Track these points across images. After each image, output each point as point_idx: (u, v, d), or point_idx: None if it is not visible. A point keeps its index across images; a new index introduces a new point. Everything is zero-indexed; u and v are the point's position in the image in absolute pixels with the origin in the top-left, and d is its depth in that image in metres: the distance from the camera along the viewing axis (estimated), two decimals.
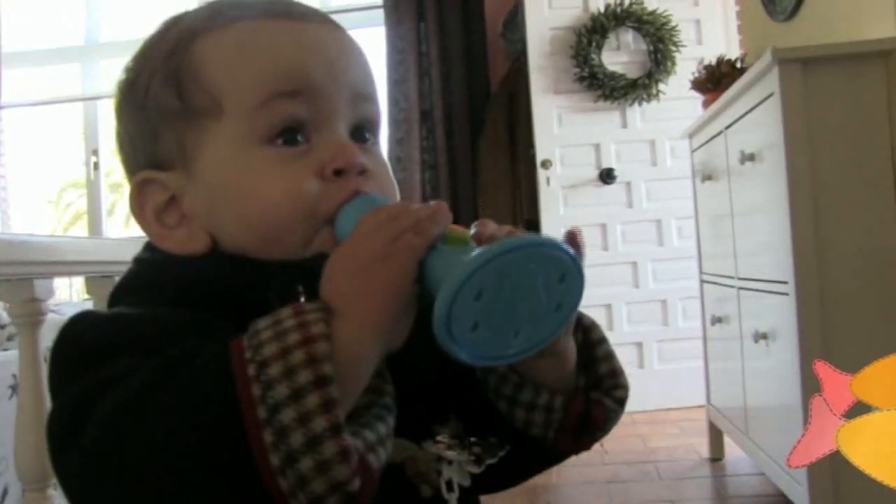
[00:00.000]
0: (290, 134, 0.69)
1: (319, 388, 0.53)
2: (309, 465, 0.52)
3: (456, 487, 0.71)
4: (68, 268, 1.40)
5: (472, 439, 0.73)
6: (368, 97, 0.74)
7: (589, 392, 0.74)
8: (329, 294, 0.59)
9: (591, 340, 0.75)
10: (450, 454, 0.71)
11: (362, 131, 0.74)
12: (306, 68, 0.69)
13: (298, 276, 0.64)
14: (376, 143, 0.76)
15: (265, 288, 0.65)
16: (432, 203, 0.63)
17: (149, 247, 0.74)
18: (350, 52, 0.74)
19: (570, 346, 0.72)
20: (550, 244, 0.59)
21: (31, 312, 1.34)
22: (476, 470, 0.71)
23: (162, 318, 0.64)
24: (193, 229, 0.71)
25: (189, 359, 0.56)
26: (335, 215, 0.67)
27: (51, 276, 1.37)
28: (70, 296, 5.75)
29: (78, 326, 0.66)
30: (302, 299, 0.62)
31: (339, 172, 0.69)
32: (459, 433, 0.73)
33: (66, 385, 0.62)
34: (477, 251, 0.55)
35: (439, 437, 0.71)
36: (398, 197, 0.75)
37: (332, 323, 0.56)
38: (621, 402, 0.76)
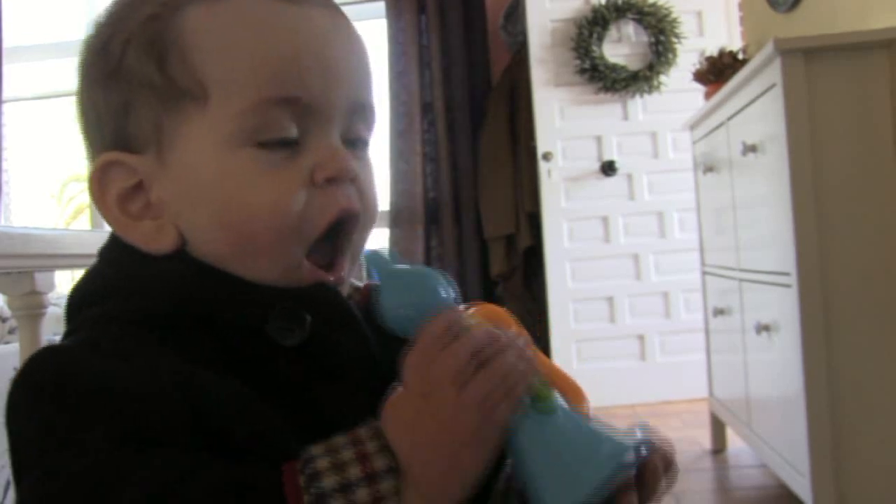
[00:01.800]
0: (277, 137, 0.63)
1: None
2: None
3: None
4: (69, 261, 1.40)
5: None
6: (365, 105, 0.69)
7: None
8: (405, 450, 0.54)
9: None
10: None
11: (354, 135, 0.68)
12: (307, 73, 0.63)
13: (299, 306, 0.62)
14: (367, 145, 0.71)
15: (261, 316, 0.62)
16: (517, 337, 0.58)
17: (115, 240, 0.68)
18: (354, 52, 0.68)
19: None
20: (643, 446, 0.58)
21: (32, 305, 1.34)
22: None
23: (152, 370, 0.57)
24: (161, 223, 0.65)
25: (242, 490, 0.52)
26: (374, 295, 0.64)
27: (52, 268, 1.37)
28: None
29: (50, 373, 0.58)
30: (309, 319, 0.60)
31: (330, 180, 0.64)
32: None
33: (42, 459, 0.55)
34: (601, 457, 0.54)
35: None
36: (378, 204, 0.71)
37: (403, 493, 0.53)
38: None
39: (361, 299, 0.70)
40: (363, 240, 0.70)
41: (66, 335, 0.65)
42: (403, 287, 0.63)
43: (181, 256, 0.65)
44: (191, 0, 0.64)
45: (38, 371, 0.59)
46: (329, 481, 0.52)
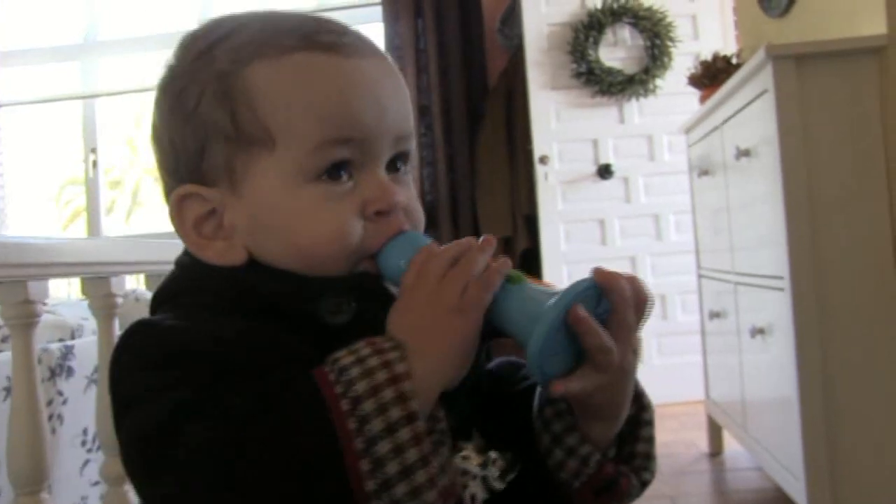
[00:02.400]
0: (335, 172, 0.73)
1: (410, 422, 0.61)
2: (403, 491, 0.60)
3: (479, 502, 0.74)
4: (63, 269, 1.39)
5: (494, 453, 0.76)
6: (407, 135, 0.78)
7: (620, 464, 0.77)
8: (405, 330, 0.67)
9: (640, 419, 0.79)
10: (477, 469, 0.74)
11: (397, 162, 0.78)
12: (358, 116, 0.73)
13: (346, 292, 0.73)
14: (408, 171, 0.81)
15: (314, 301, 0.72)
16: (481, 240, 0.71)
17: (188, 250, 0.78)
18: (395, 91, 0.77)
19: (626, 413, 0.76)
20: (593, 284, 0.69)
21: (24, 314, 1.33)
22: (500, 485, 0.75)
23: (222, 328, 0.69)
24: (232, 242, 0.76)
25: (282, 392, 0.62)
26: (379, 251, 0.74)
27: (45, 277, 1.37)
28: (69, 294, 5.75)
29: (142, 337, 0.70)
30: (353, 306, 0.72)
31: (380, 213, 0.74)
32: (482, 448, 0.76)
33: (141, 400, 0.65)
34: (553, 300, 0.66)
35: (465, 452, 0.75)
36: (423, 221, 0.81)
37: (409, 360, 0.64)
38: (645, 484, 0.79)
39: None
40: None
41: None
42: (399, 246, 0.74)
43: (253, 265, 0.76)
44: (256, 57, 0.73)
45: (130, 338, 0.71)
46: (347, 360, 0.64)
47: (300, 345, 0.70)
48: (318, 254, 0.73)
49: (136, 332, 0.71)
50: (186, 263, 0.78)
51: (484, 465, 0.75)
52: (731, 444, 3.03)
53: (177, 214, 0.76)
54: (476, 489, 0.74)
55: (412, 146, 0.80)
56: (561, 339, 0.67)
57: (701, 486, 2.84)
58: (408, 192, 0.78)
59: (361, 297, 0.73)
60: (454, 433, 0.70)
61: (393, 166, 0.78)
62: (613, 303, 0.69)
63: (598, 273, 0.69)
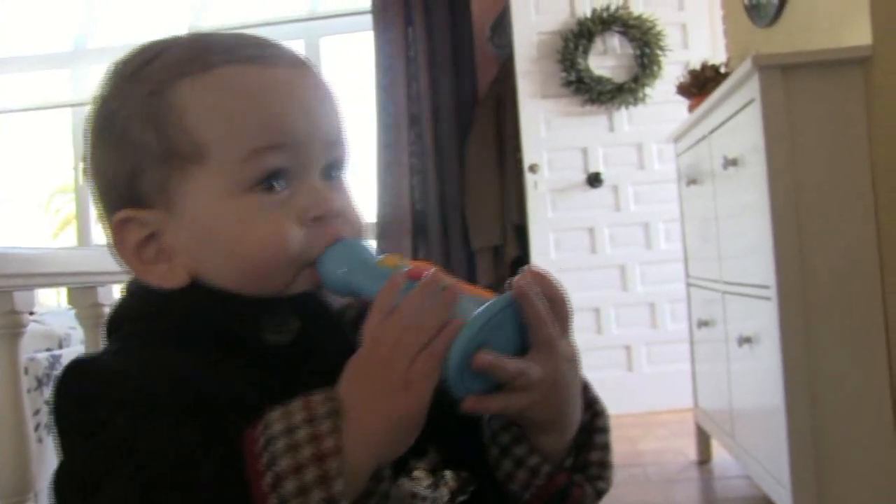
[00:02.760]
0: (270, 181, 0.73)
1: None
2: None
3: None
4: (49, 279, 1.40)
5: (448, 473, 0.75)
6: (339, 141, 0.78)
7: (574, 473, 0.76)
8: (350, 396, 0.64)
9: (595, 426, 0.78)
10: (426, 491, 0.74)
11: (331, 169, 0.78)
12: (286, 123, 0.73)
13: (288, 311, 0.73)
14: (342, 176, 0.80)
15: (256, 322, 0.73)
16: (427, 276, 0.69)
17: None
18: (323, 98, 0.78)
19: (576, 423, 0.75)
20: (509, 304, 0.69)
21: (10, 325, 1.34)
22: None
23: (158, 369, 0.68)
24: (173, 265, 0.76)
25: (204, 458, 0.61)
26: (317, 259, 0.74)
27: (31, 287, 1.37)
28: (58, 303, 5.73)
29: (74, 382, 0.70)
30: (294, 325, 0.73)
31: (317, 219, 0.74)
32: (436, 466, 0.75)
33: (67, 450, 0.67)
34: (465, 330, 0.65)
35: (416, 472, 0.74)
36: (363, 226, 0.80)
37: (343, 429, 0.62)
38: (600, 494, 0.77)
39: (361, 305, 0.79)
40: None
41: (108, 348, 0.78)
42: (336, 254, 0.74)
43: (197, 288, 0.76)
44: (182, 75, 0.74)
45: (63, 380, 0.71)
46: (277, 426, 0.62)
47: (241, 375, 0.70)
48: (258, 264, 0.73)
49: (68, 375, 0.71)
50: (133, 290, 0.79)
51: (434, 486, 0.74)
52: (719, 452, 3.04)
53: (117, 241, 0.76)
54: None
55: (346, 153, 0.80)
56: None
57: (689, 494, 2.84)
58: (345, 199, 0.79)
59: (304, 316, 0.74)
60: (408, 451, 0.69)
61: (329, 175, 0.78)
62: (530, 321, 0.69)
63: (517, 290, 0.69)
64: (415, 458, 0.74)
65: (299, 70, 0.77)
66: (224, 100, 0.73)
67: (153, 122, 0.73)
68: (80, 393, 0.69)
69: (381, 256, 0.75)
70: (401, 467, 0.73)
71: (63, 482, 0.66)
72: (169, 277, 0.75)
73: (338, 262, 0.73)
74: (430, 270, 0.70)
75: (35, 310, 1.44)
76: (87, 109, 0.80)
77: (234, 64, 0.74)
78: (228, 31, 0.81)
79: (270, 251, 0.72)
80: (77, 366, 0.71)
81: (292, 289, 0.74)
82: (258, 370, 0.71)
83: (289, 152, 0.73)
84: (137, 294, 0.78)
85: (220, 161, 0.72)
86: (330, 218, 0.75)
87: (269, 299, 0.74)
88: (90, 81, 5.31)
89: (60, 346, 2.03)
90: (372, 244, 0.80)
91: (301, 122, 0.74)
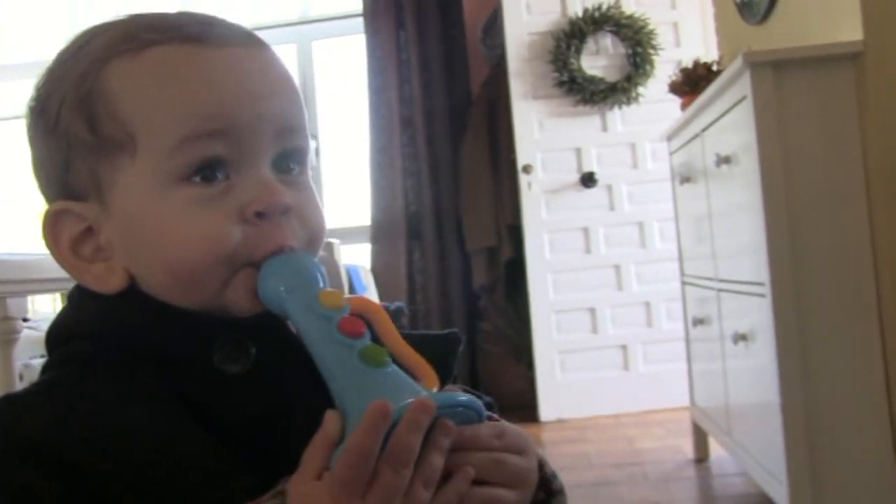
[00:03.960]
0: (208, 171, 0.66)
1: None
2: None
3: None
4: (42, 285, 1.40)
5: None
6: (294, 128, 0.70)
7: None
8: None
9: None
10: None
11: (287, 161, 0.70)
12: (226, 107, 0.66)
13: (243, 335, 0.66)
14: (304, 171, 0.72)
15: (207, 347, 0.65)
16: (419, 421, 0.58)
17: (78, 284, 0.72)
18: (275, 81, 0.70)
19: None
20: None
21: (4, 331, 1.34)
22: None
23: (88, 419, 0.61)
24: (111, 264, 0.69)
25: None
26: (259, 267, 0.66)
27: (24, 293, 1.38)
28: (54, 309, 5.72)
29: (10, 425, 0.62)
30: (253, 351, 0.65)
31: (260, 215, 0.66)
32: None
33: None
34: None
35: None
36: (324, 223, 0.72)
37: None
38: None
39: None
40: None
41: (44, 369, 0.70)
42: (277, 268, 0.66)
43: (130, 294, 0.69)
44: (114, 55, 0.67)
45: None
46: None
47: (190, 413, 0.63)
48: (188, 265, 0.65)
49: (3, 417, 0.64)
50: (75, 302, 0.72)
51: None
52: (716, 449, 3.05)
53: (49, 233, 0.69)
54: None
55: (304, 143, 0.72)
56: None
57: (687, 492, 2.85)
58: (302, 196, 0.70)
59: (262, 344, 0.66)
60: None
61: (284, 167, 0.69)
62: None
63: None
64: None
65: (249, 50, 0.69)
66: (157, 82, 0.66)
67: (84, 108, 0.66)
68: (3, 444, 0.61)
69: (322, 287, 0.66)
70: None
71: None
72: (106, 278, 0.68)
73: (277, 277, 0.65)
74: (366, 327, 0.63)
75: (29, 316, 1.44)
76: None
77: (170, 43, 0.67)
78: (176, 12, 0.72)
79: (199, 251, 0.65)
80: (2, 410, 0.65)
81: (229, 295, 0.66)
82: (210, 404, 0.64)
83: (228, 140, 0.65)
84: (76, 306, 0.71)
85: (150, 149, 0.65)
86: (276, 215, 0.66)
87: (220, 319, 0.67)
88: None
89: None
90: (318, 262, 0.69)
91: (244, 107, 0.66)
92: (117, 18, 0.72)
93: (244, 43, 0.70)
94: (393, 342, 0.66)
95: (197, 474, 0.61)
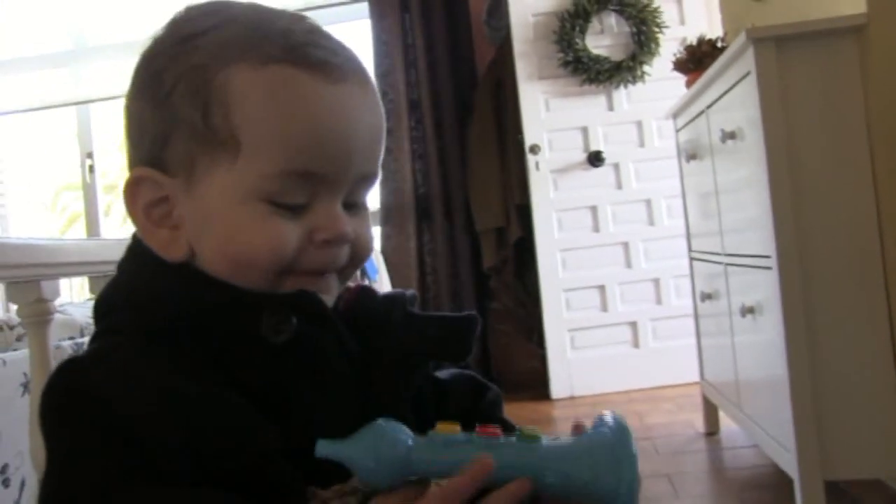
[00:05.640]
0: (291, 202, 0.72)
1: None
2: None
3: None
4: (72, 268, 1.44)
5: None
6: (373, 175, 0.77)
7: None
8: None
9: None
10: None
11: (358, 195, 0.77)
12: (329, 155, 0.71)
13: (286, 308, 0.70)
14: (366, 201, 0.79)
15: (254, 317, 0.69)
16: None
17: (132, 252, 0.77)
18: (376, 129, 0.76)
19: None
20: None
21: (39, 312, 1.38)
22: None
23: (140, 403, 0.64)
24: (177, 234, 0.74)
25: None
26: (348, 440, 0.66)
27: (56, 276, 1.42)
28: (71, 296, 5.77)
29: (64, 393, 0.67)
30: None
31: (327, 242, 0.73)
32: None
33: (52, 474, 0.64)
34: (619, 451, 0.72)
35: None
36: (372, 246, 0.80)
37: None
38: None
39: (350, 298, 0.80)
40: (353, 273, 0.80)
41: (93, 338, 0.75)
42: (367, 442, 0.66)
43: (187, 267, 0.74)
44: (239, 59, 0.71)
45: (55, 389, 0.68)
46: None
47: (242, 374, 0.68)
48: (250, 262, 0.71)
49: (60, 382, 0.68)
50: (128, 270, 0.76)
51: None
52: (726, 423, 3.08)
53: (129, 195, 0.74)
54: None
55: (375, 181, 0.79)
56: None
57: (698, 464, 2.88)
58: (360, 225, 0.76)
59: (302, 316, 0.71)
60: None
61: (354, 199, 0.76)
62: None
63: None
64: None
65: (359, 89, 0.74)
66: (275, 105, 0.70)
67: (199, 97, 0.70)
68: (68, 412, 0.65)
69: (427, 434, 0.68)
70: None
71: (49, 496, 0.64)
72: (170, 245, 0.73)
73: (366, 453, 0.65)
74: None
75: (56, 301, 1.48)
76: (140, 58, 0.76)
77: (295, 66, 0.70)
78: (297, 15, 0.77)
79: (264, 254, 0.71)
80: (66, 377, 0.68)
81: (276, 290, 0.73)
82: (254, 369, 0.69)
83: (321, 180, 0.72)
84: (128, 273, 0.76)
85: (251, 164, 0.70)
86: (339, 243, 0.74)
87: (265, 293, 0.72)
88: (92, 79, 5.33)
89: (82, 335, 2.08)
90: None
91: (343, 157, 0.72)
92: (245, 7, 0.76)
93: (359, 80, 0.74)
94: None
95: (244, 438, 0.66)
